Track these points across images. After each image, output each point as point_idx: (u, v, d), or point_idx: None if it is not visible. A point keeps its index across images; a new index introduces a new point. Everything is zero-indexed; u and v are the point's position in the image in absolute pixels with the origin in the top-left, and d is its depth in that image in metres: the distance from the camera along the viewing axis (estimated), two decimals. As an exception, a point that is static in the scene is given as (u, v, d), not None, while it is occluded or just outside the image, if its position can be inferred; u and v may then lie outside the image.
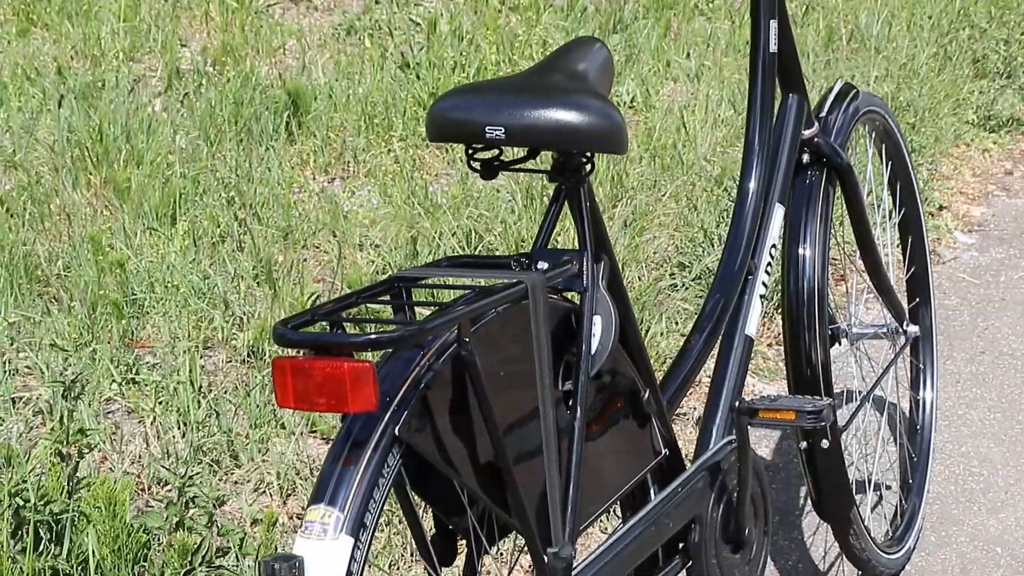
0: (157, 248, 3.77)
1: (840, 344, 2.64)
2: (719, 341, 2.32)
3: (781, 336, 2.85)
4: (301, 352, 1.64)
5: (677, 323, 3.63)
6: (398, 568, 2.74)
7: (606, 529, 2.79)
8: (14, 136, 4.44)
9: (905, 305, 2.87)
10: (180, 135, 4.48)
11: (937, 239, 4.37)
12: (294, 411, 3.13)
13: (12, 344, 3.37)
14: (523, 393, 1.81)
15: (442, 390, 1.71)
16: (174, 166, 4.21)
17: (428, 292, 1.91)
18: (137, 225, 3.90)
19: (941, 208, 4.60)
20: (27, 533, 2.39)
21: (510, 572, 2.61)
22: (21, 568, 2.26)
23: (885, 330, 2.78)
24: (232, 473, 3.00)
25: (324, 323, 1.69)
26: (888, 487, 2.97)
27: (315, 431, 3.13)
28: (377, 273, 3.72)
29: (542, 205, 3.91)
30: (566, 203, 1.98)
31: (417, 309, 1.84)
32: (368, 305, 1.81)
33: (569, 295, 1.97)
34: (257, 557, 2.45)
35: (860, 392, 2.74)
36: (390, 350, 1.72)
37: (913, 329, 2.84)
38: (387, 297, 1.82)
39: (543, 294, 1.82)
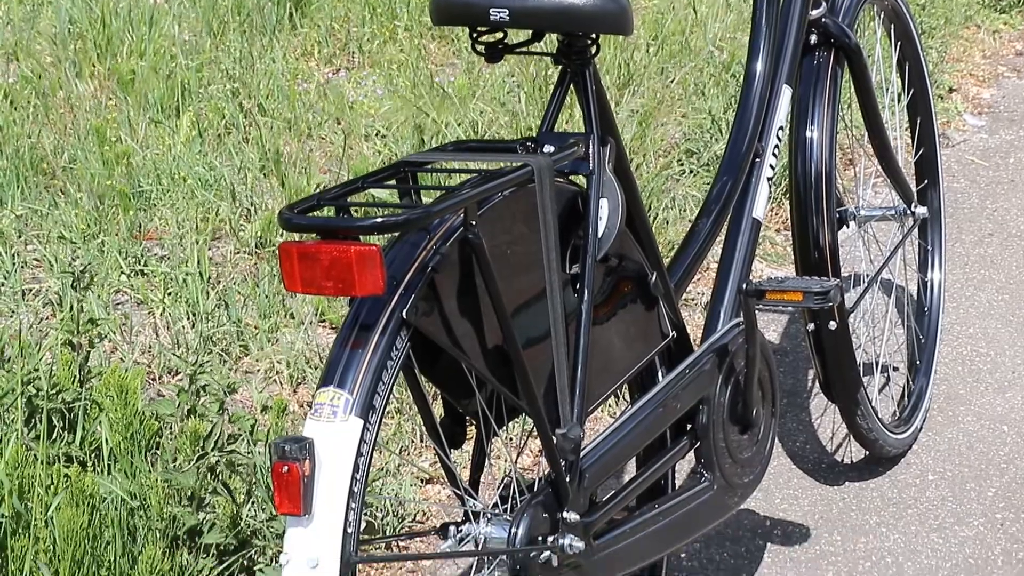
0: (162, 140, 3.76)
1: (848, 227, 2.64)
2: (726, 224, 2.32)
3: (789, 221, 2.85)
4: (306, 237, 1.64)
5: (685, 210, 3.62)
6: (408, 453, 2.77)
7: (614, 414, 2.81)
8: (15, 28, 4.41)
9: (913, 187, 2.86)
10: (183, 26, 4.44)
11: (946, 122, 4.34)
12: (303, 301, 3.14)
13: (20, 237, 3.38)
14: (530, 276, 1.82)
15: (449, 273, 1.72)
16: (177, 58, 4.19)
17: (434, 177, 1.90)
18: (142, 117, 3.89)
19: (951, 90, 4.57)
20: (40, 421, 2.41)
21: (519, 455, 2.63)
22: (36, 455, 2.28)
23: (893, 212, 2.77)
24: (242, 362, 3.01)
25: (330, 208, 1.69)
26: (895, 368, 2.98)
27: (324, 320, 3.15)
28: (383, 163, 3.71)
29: (548, 94, 3.88)
30: (572, 86, 1.97)
31: (423, 193, 1.84)
32: (374, 190, 1.81)
33: (575, 178, 1.96)
34: (268, 442, 2.47)
35: (868, 275, 2.74)
36: (396, 234, 1.72)
37: (921, 211, 2.83)
38: (393, 182, 1.81)
39: (549, 177, 1.82)
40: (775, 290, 2.19)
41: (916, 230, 2.90)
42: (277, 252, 1.93)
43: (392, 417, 2.81)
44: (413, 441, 2.80)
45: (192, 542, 2.29)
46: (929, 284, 2.96)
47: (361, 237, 1.61)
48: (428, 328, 1.70)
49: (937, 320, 2.95)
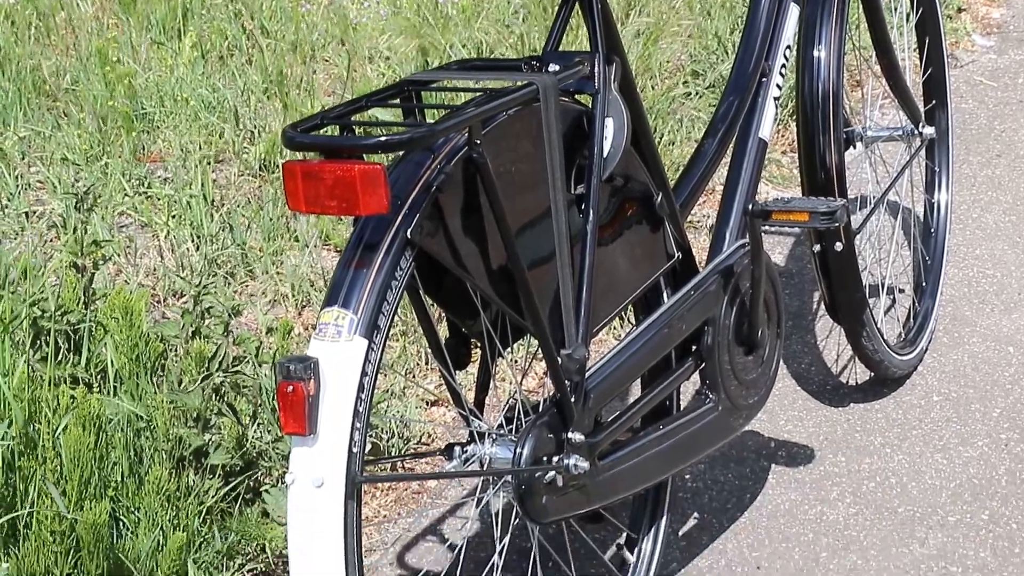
0: (165, 62, 3.73)
1: (855, 148, 2.62)
2: (732, 144, 2.30)
3: (795, 143, 2.83)
4: (310, 156, 1.63)
5: (691, 131, 3.60)
6: (414, 376, 2.77)
7: (619, 336, 2.80)
8: (16, -50, 4.37)
9: (921, 108, 2.83)
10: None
11: (955, 42, 4.30)
12: (307, 224, 3.13)
13: (23, 159, 3.36)
14: (535, 196, 1.81)
15: (453, 193, 1.71)
16: (179, -22, 4.15)
17: (438, 96, 1.89)
18: (143, 38, 3.86)
19: (960, 10, 4.53)
20: (46, 343, 2.41)
21: (523, 377, 2.64)
22: (42, 377, 2.29)
23: (900, 132, 2.75)
24: (247, 285, 3.01)
25: (334, 127, 1.68)
26: (901, 290, 2.98)
27: (329, 243, 3.14)
28: (387, 85, 3.69)
29: (553, 15, 3.85)
30: (576, 5, 1.95)
31: (427, 113, 1.83)
32: (378, 109, 1.79)
33: (580, 97, 1.95)
34: (273, 364, 2.48)
35: (874, 196, 2.72)
36: (400, 153, 1.71)
37: (929, 131, 2.81)
38: (397, 101, 1.80)
39: (554, 96, 1.80)
40: (781, 211, 2.18)
41: (923, 151, 2.88)
42: (281, 172, 1.92)
43: (397, 340, 2.81)
44: (418, 364, 2.80)
45: (198, 463, 2.30)
46: (936, 205, 2.95)
47: (365, 156, 1.60)
48: (432, 248, 1.69)
49: (943, 241, 2.94)
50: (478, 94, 1.77)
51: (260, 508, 2.32)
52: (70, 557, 2.08)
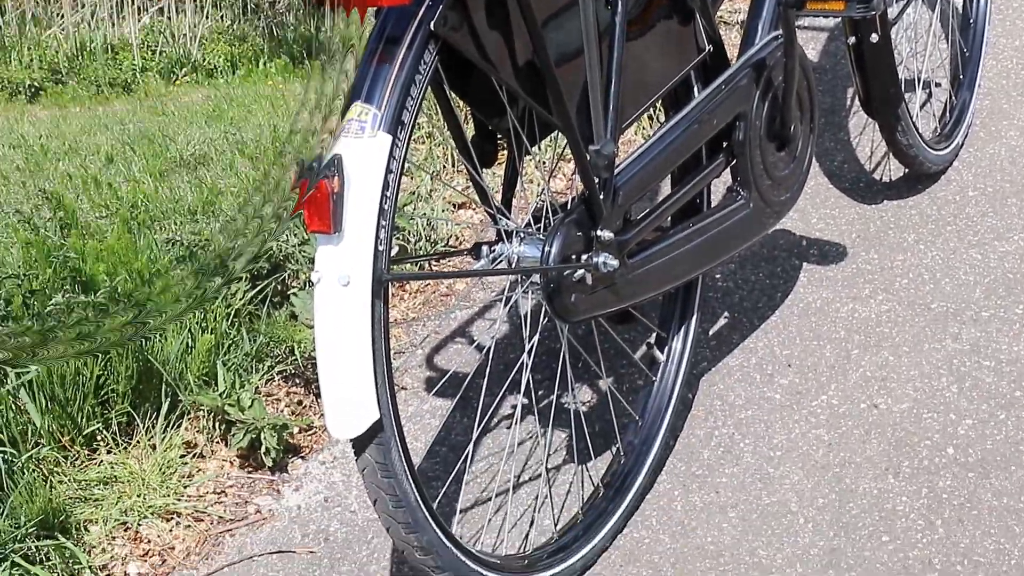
0: None
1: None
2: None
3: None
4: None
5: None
6: (440, 178, 2.74)
7: (648, 136, 2.76)
8: None
9: None
10: None
11: None
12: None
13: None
14: (562, -14, 1.75)
15: (477, -17, 1.65)
16: None
17: None
18: None
19: None
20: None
21: (551, 177, 2.60)
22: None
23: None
24: (270, 88, 2.97)
25: (352, -85, 1.62)
26: (938, 84, 2.91)
27: (352, 49, 3.08)
28: None
29: None
30: None
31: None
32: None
33: None
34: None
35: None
36: (422, -58, 1.65)
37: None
38: None
39: None
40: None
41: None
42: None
43: (423, 143, 2.77)
44: (444, 166, 2.77)
45: (224, 266, 2.29)
46: (975, -5, 2.87)
47: (386, -55, 1.54)
48: (457, 41, 1.64)
49: (983, 33, 2.86)
50: None
51: (288, 311, 2.32)
52: (100, 359, 2.09)
